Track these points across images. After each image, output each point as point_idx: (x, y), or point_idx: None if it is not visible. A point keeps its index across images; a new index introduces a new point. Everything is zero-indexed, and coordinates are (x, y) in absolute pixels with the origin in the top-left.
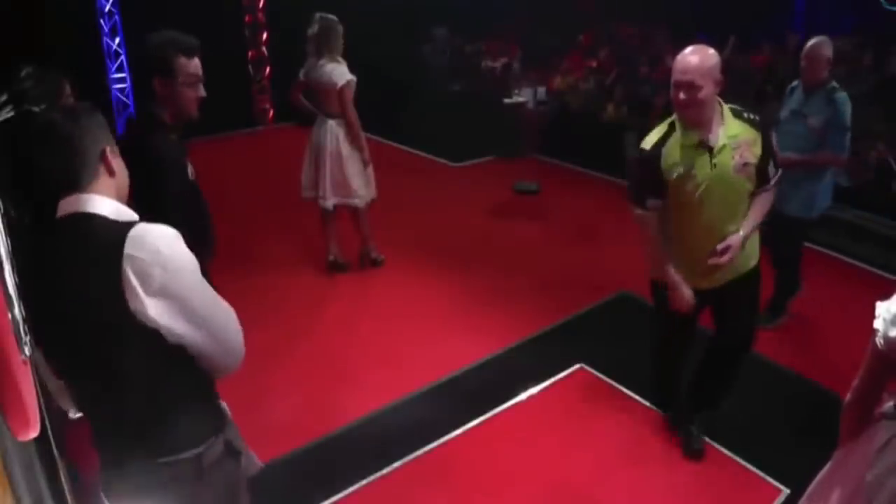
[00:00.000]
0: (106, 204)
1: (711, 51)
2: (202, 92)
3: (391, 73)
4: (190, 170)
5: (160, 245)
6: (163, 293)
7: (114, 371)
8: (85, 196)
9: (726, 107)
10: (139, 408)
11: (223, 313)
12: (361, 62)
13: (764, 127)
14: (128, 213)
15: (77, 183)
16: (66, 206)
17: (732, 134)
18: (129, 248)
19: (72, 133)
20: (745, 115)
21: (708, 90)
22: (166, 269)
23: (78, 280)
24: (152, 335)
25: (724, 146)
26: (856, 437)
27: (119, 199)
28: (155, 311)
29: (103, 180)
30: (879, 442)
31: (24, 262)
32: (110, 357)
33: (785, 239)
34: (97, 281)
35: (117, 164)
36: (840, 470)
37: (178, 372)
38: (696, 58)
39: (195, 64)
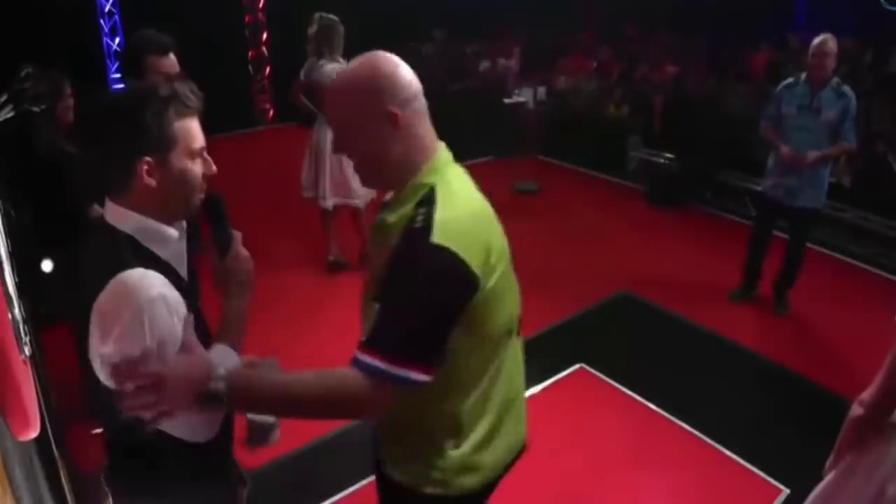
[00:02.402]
0: (132, 220)
1: (381, 67)
2: None
3: None
4: None
5: (127, 305)
6: (110, 356)
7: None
8: (113, 207)
9: (441, 185)
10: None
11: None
12: None
13: (405, 251)
14: (157, 233)
15: (106, 191)
16: (105, 208)
17: (389, 220)
18: (101, 296)
19: (99, 139)
20: (428, 215)
21: (359, 139)
22: (121, 335)
23: (79, 291)
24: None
25: (379, 226)
26: (861, 448)
27: (166, 210)
28: (100, 369)
29: (139, 192)
30: None
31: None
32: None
33: (799, 233)
34: (82, 305)
35: (165, 174)
36: (846, 483)
37: None
38: (342, 77)
39: (168, 63)
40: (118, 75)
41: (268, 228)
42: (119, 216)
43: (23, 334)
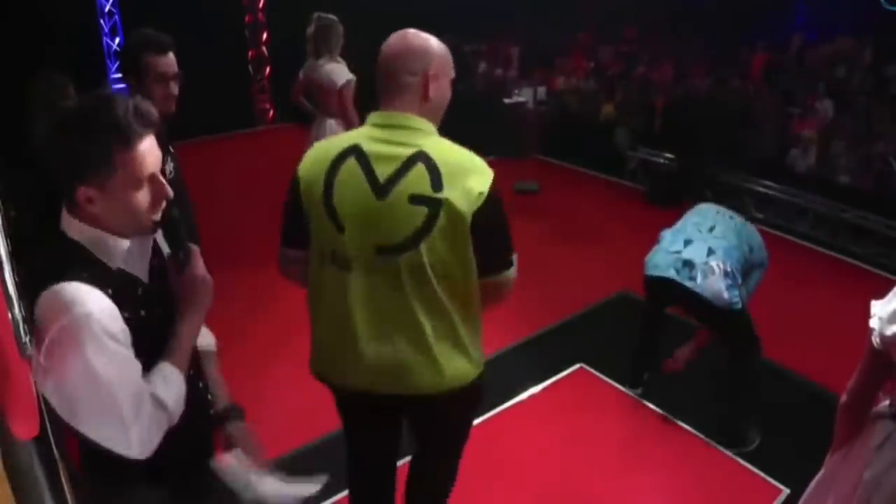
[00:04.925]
0: (85, 232)
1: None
2: (173, 90)
3: None
4: (168, 168)
5: (54, 321)
6: (45, 370)
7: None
8: (66, 216)
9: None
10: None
11: (107, 421)
12: (362, 62)
13: None
14: (106, 246)
15: (64, 203)
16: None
17: None
18: (37, 308)
19: (45, 159)
20: None
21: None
22: (48, 350)
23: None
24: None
25: None
26: (852, 438)
27: (115, 230)
28: (41, 381)
29: (83, 209)
30: (877, 440)
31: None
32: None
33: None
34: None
35: (107, 203)
36: (838, 471)
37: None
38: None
39: (166, 62)
40: (118, 75)
41: (267, 228)
42: (69, 225)
43: (23, 334)
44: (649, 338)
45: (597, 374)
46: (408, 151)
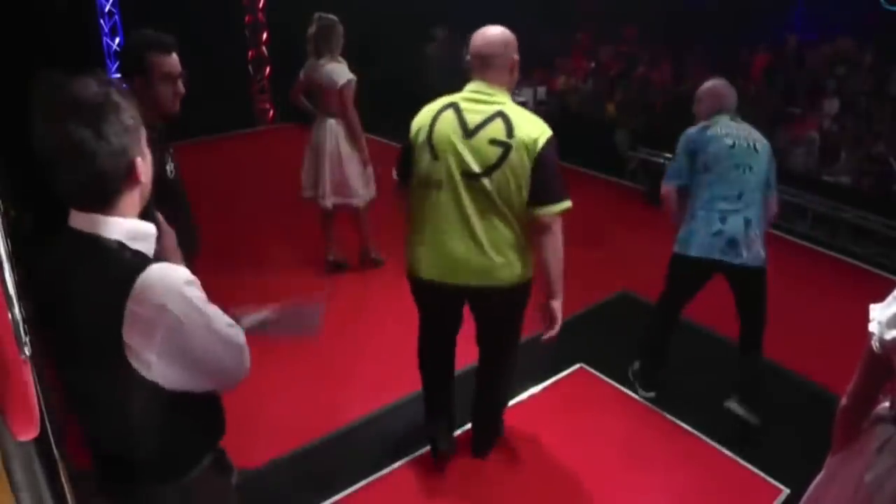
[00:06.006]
0: (122, 226)
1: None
2: (180, 89)
3: (393, 73)
4: (169, 168)
5: (167, 301)
6: (163, 354)
7: (98, 399)
8: (100, 218)
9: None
10: (121, 436)
11: (230, 358)
12: (362, 62)
13: None
14: (143, 232)
15: (95, 203)
16: (79, 220)
17: None
18: (132, 303)
19: (96, 152)
20: None
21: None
22: (170, 329)
23: (76, 310)
24: (147, 382)
25: None
26: (852, 441)
27: (142, 204)
28: (154, 369)
29: (127, 194)
30: (877, 443)
31: (25, 265)
32: (96, 390)
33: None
34: (95, 322)
35: (145, 167)
36: (837, 473)
37: (171, 402)
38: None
39: (170, 62)
40: (118, 75)
41: (268, 228)
42: (104, 224)
43: (23, 334)
44: (669, 326)
45: (597, 374)
46: (492, 109)
